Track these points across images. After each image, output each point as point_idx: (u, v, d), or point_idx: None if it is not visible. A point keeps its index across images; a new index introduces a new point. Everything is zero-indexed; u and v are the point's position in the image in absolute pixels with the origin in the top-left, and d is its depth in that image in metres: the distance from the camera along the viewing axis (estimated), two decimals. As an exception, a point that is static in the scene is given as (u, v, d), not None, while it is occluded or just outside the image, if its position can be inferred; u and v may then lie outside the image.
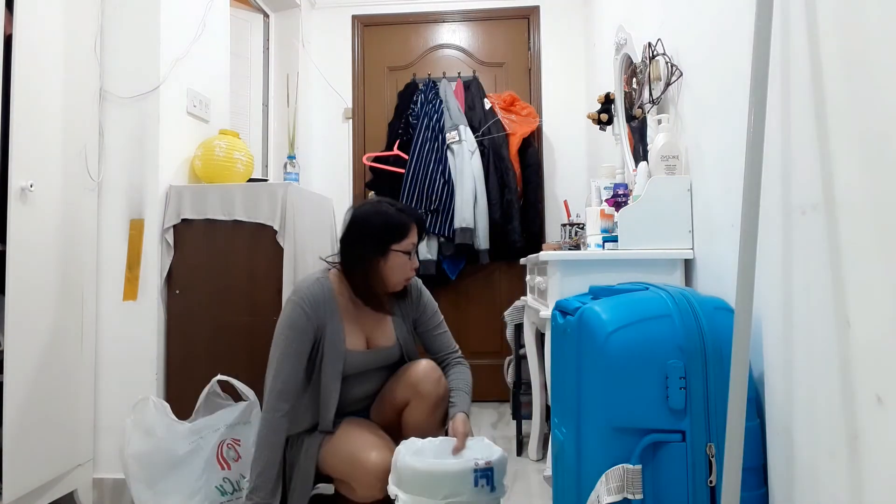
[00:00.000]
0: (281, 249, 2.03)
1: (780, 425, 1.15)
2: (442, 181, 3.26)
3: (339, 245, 1.78)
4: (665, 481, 1.20)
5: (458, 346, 1.91)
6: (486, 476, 1.44)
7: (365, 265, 1.70)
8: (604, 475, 1.19)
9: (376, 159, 3.51)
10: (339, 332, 1.71)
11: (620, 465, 1.18)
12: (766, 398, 1.22)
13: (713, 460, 1.19)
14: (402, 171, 3.36)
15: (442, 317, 1.91)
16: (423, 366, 1.75)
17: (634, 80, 2.25)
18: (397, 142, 3.48)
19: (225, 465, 1.86)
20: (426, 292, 1.90)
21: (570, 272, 1.84)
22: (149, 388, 2.02)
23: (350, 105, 3.72)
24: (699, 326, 1.24)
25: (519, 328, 2.69)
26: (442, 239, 3.27)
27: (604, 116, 2.53)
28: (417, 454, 1.50)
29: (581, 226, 2.46)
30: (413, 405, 1.71)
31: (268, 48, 3.51)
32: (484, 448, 1.54)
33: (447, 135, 3.32)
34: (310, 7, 3.69)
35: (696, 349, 1.22)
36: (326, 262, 1.83)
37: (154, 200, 2.07)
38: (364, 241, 1.70)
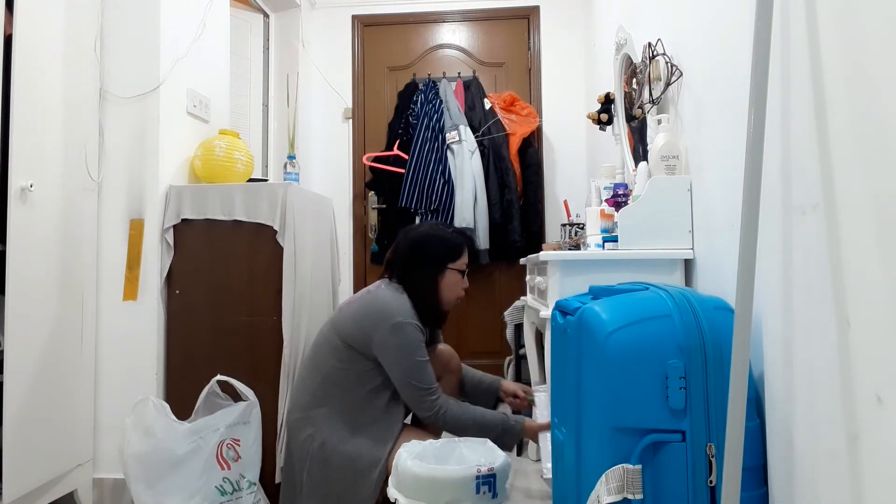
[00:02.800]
0: (281, 249, 2.03)
1: (780, 425, 1.15)
2: (442, 181, 3.26)
3: (398, 267, 1.87)
4: (665, 481, 1.19)
5: None
6: (489, 483, 1.43)
7: (428, 283, 1.84)
8: (604, 475, 1.19)
9: (376, 159, 3.51)
10: None
11: (620, 465, 1.18)
12: (766, 398, 1.22)
13: (713, 460, 1.19)
14: (402, 171, 3.36)
15: None
16: (448, 348, 2.04)
17: (634, 80, 2.25)
18: (397, 142, 3.48)
19: (225, 465, 1.86)
20: None
21: (570, 272, 1.84)
22: (149, 388, 2.02)
23: (350, 105, 3.72)
24: (699, 326, 1.24)
25: (519, 328, 2.69)
26: (442, 239, 3.27)
27: (604, 116, 2.53)
28: (419, 458, 1.49)
29: (581, 226, 2.46)
30: (445, 379, 1.98)
31: (268, 48, 3.51)
32: (487, 452, 1.53)
33: (447, 135, 3.32)
34: (310, 7, 3.69)
35: (696, 349, 1.22)
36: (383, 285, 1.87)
37: (154, 200, 2.07)
38: (426, 260, 1.85)
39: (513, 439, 1.77)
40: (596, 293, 1.44)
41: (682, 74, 1.86)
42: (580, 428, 1.27)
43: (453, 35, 3.70)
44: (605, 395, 1.23)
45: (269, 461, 1.99)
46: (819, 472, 1.00)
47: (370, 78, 3.73)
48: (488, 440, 1.59)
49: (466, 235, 1.97)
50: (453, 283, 1.88)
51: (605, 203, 2.15)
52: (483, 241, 3.25)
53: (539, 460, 2.43)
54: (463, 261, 1.90)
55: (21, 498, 1.67)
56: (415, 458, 1.48)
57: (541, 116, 3.59)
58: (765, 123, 1.05)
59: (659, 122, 1.90)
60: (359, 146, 3.69)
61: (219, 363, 2.03)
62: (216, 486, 1.83)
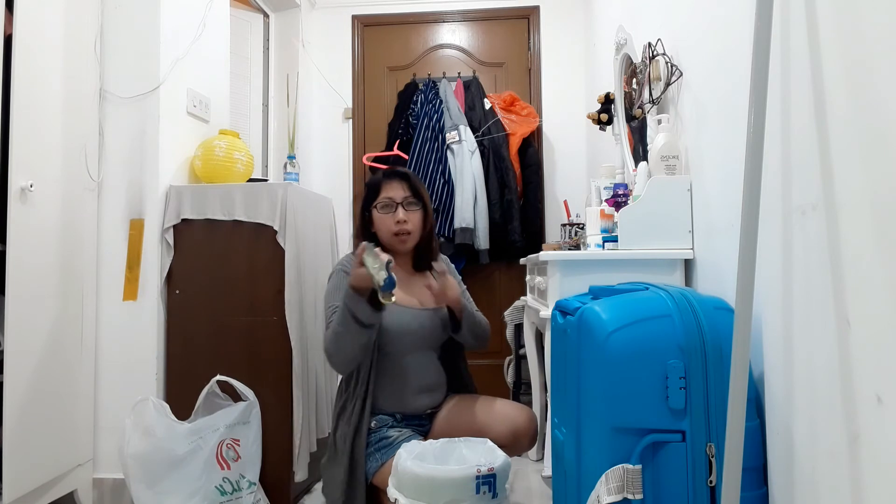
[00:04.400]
0: (281, 249, 2.03)
1: (780, 425, 1.15)
2: (442, 181, 3.26)
3: None
4: (665, 481, 1.20)
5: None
6: (489, 483, 1.43)
7: (366, 233, 1.89)
8: (604, 475, 1.19)
9: (376, 159, 3.50)
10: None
11: (620, 465, 1.18)
12: (766, 398, 1.22)
13: (713, 460, 1.19)
14: (402, 171, 3.36)
15: (467, 292, 2.00)
16: (528, 415, 1.81)
17: (634, 80, 2.25)
18: (397, 142, 3.48)
19: (224, 465, 1.86)
20: (453, 270, 2.01)
21: (570, 272, 1.84)
22: (149, 388, 2.02)
23: (350, 105, 3.71)
24: (699, 326, 1.24)
25: (519, 328, 2.69)
26: (442, 239, 3.27)
27: (604, 116, 2.53)
28: (419, 458, 1.49)
29: (581, 226, 2.46)
30: (508, 448, 1.69)
31: (268, 48, 3.51)
32: (487, 452, 1.53)
33: (447, 135, 3.32)
34: (310, 7, 3.69)
35: (696, 349, 1.22)
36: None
37: (154, 200, 2.07)
38: (360, 212, 1.92)
39: (354, 305, 1.64)
40: (596, 293, 1.44)
41: (682, 74, 1.86)
42: (580, 428, 1.27)
43: (453, 35, 3.70)
44: (606, 395, 1.23)
45: (268, 461, 1.99)
46: (819, 472, 1.00)
47: (370, 78, 3.73)
48: (489, 441, 1.58)
49: (390, 170, 1.90)
50: (381, 222, 1.85)
51: (605, 203, 2.15)
52: (483, 241, 3.25)
53: (539, 460, 2.43)
54: (383, 195, 1.84)
55: (21, 498, 1.67)
56: (415, 458, 1.48)
57: (541, 116, 3.59)
58: (765, 123, 1.05)
59: (659, 122, 1.90)
60: (359, 146, 3.69)
61: (219, 363, 2.03)
62: (216, 486, 1.83)
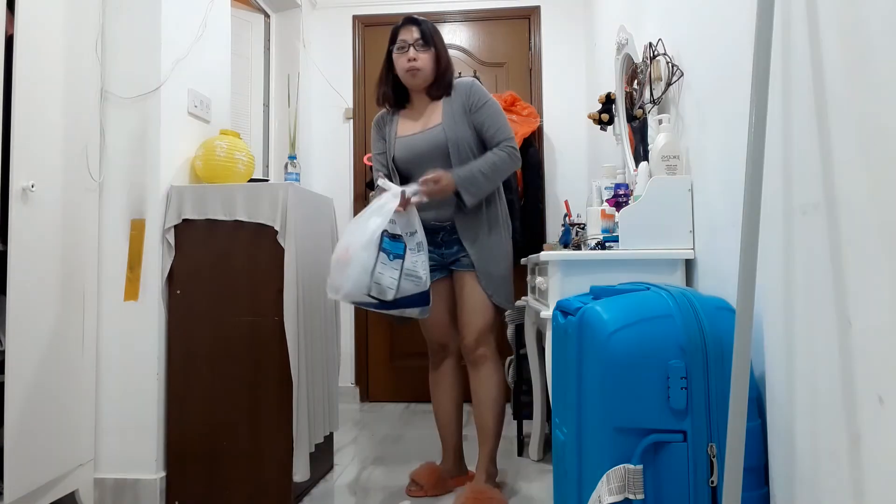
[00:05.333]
0: (282, 249, 2.03)
1: (782, 425, 1.15)
2: (443, 181, 3.25)
3: None
4: (666, 481, 1.20)
5: (511, 135, 2.09)
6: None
7: (390, 73, 2.18)
8: (605, 475, 1.19)
9: (377, 159, 3.50)
10: (394, 126, 2.17)
11: (622, 466, 1.18)
12: (768, 398, 1.22)
13: (714, 460, 1.19)
14: (403, 171, 3.35)
15: (496, 109, 2.10)
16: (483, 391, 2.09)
17: (635, 80, 2.25)
18: (398, 142, 3.47)
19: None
20: (479, 91, 2.11)
21: (570, 272, 1.84)
22: (150, 388, 2.02)
23: (351, 105, 3.72)
24: (700, 326, 1.24)
25: (520, 328, 2.69)
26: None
27: (605, 116, 2.53)
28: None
29: (582, 226, 2.46)
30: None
31: (269, 48, 3.51)
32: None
33: (448, 135, 3.31)
34: (310, 7, 3.70)
35: (697, 349, 1.22)
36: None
37: (155, 200, 2.07)
38: (386, 56, 2.19)
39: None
40: (597, 293, 1.44)
41: (682, 74, 1.86)
42: (581, 428, 1.27)
43: (454, 35, 3.70)
44: (607, 396, 1.23)
45: (268, 461, 1.98)
46: (820, 472, 1.00)
47: (371, 78, 3.71)
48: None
49: (407, 17, 2.14)
50: (397, 61, 2.11)
51: (605, 203, 2.15)
52: (484, 241, 3.25)
53: (539, 460, 2.43)
54: (401, 38, 2.10)
55: (22, 498, 1.67)
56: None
57: (542, 116, 3.59)
58: (766, 123, 1.05)
59: (660, 122, 1.90)
60: (360, 146, 3.69)
61: (220, 363, 2.03)
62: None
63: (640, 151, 2.24)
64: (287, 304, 2.01)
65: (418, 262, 1.89)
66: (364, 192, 3.65)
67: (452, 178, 1.95)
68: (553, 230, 3.47)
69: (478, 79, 3.54)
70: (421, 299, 1.89)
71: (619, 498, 1.17)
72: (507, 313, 2.77)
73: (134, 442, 2.02)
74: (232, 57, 2.59)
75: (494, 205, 2.11)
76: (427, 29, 2.09)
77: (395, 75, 2.14)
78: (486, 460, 2.05)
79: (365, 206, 3.63)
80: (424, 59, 2.07)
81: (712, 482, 1.19)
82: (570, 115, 3.57)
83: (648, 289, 1.40)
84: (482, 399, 2.07)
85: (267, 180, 2.84)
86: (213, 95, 2.39)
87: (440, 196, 1.96)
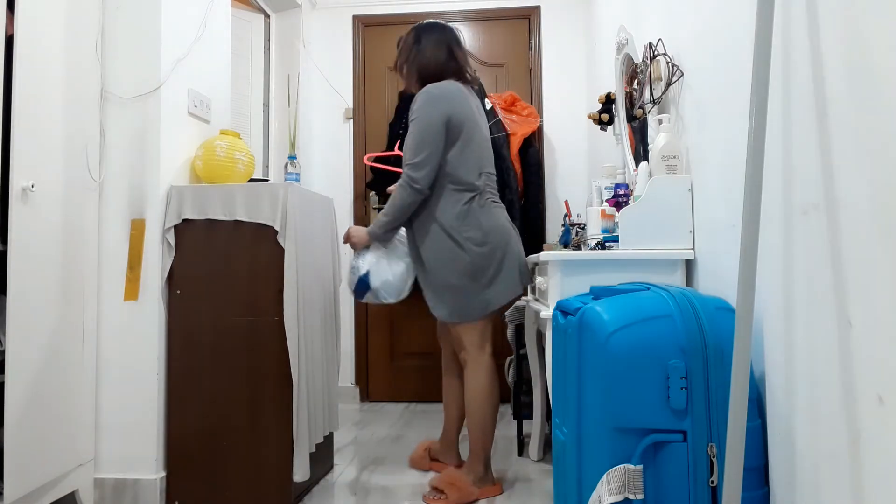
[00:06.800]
0: (282, 249, 2.03)
1: (782, 425, 1.15)
2: (443, 181, 3.25)
3: None
4: (666, 481, 1.20)
5: (411, 160, 2.12)
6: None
7: None
8: (605, 475, 1.19)
9: (377, 159, 3.50)
10: None
11: (622, 466, 1.19)
12: (768, 398, 1.22)
13: (714, 460, 1.19)
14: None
15: (417, 127, 2.14)
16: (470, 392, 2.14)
17: (635, 80, 2.25)
18: (398, 142, 3.48)
19: None
20: (416, 103, 2.17)
21: (570, 272, 1.84)
22: (150, 388, 2.02)
23: (351, 105, 3.71)
24: (700, 326, 1.24)
25: (520, 328, 2.69)
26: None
27: (605, 116, 2.53)
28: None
29: (582, 226, 2.46)
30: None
31: (269, 48, 3.51)
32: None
33: (448, 135, 3.31)
34: (310, 7, 3.70)
35: (697, 349, 1.22)
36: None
37: (155, 200, 2.07)
38: None
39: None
40: (597, 293, 1.44)
41: (682, 74, 1.86)
42: (581, 428, 1.28)
43: (454, 35, 3.69)
44: (607, 395, 1.23)
45: (268, 461, 1.98)
46: (820, 472, 1.01)
47: (371, 78, 3.73)
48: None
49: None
50: None
51: (605, 203, 2.15)
52: (484, 241, 3.25)
53: (539, 460, 2.43)
54: None
55: (22, 498, 1.67)
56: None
57: (542, 116, 3.59)
58: (766, 123, 1.05)
59: (660, 122, 1.90)
60: (359, 146, 3.69)
61: (220, 363, 2.03)
62: None
63: (640, 151, 2.24)
64: (287, 304, 2.01)
65: (363, 261, 2.19)
66: (364, 191, 3.65)
67: (362, 229, 2.20)
68: (553, 230, 3.47)
69: (477, 79, 3.57)
70: (359, 287, 2.19)
71: (619, 498, 1.17)
72: (506, 313, 2.77)
73: (134, 442, 2.02)
74: (232, 57, 2.59)
75: (422, 218, 2.13)
76: (398, 51, 2.29)
77: None
78: (472, 459, 2.12)
79: (365, 205, 3.66)
80: (404, 78, 2.31)
81: (712, 482, 1.19)
82: (570, 115, 3.57)
83: (648, 289, 1.40)
84: (466, 399, 2.14)
85: (267, 180, 2.84)
86: (213, 95, 2.39)
87: (360, 244, 2.20)
